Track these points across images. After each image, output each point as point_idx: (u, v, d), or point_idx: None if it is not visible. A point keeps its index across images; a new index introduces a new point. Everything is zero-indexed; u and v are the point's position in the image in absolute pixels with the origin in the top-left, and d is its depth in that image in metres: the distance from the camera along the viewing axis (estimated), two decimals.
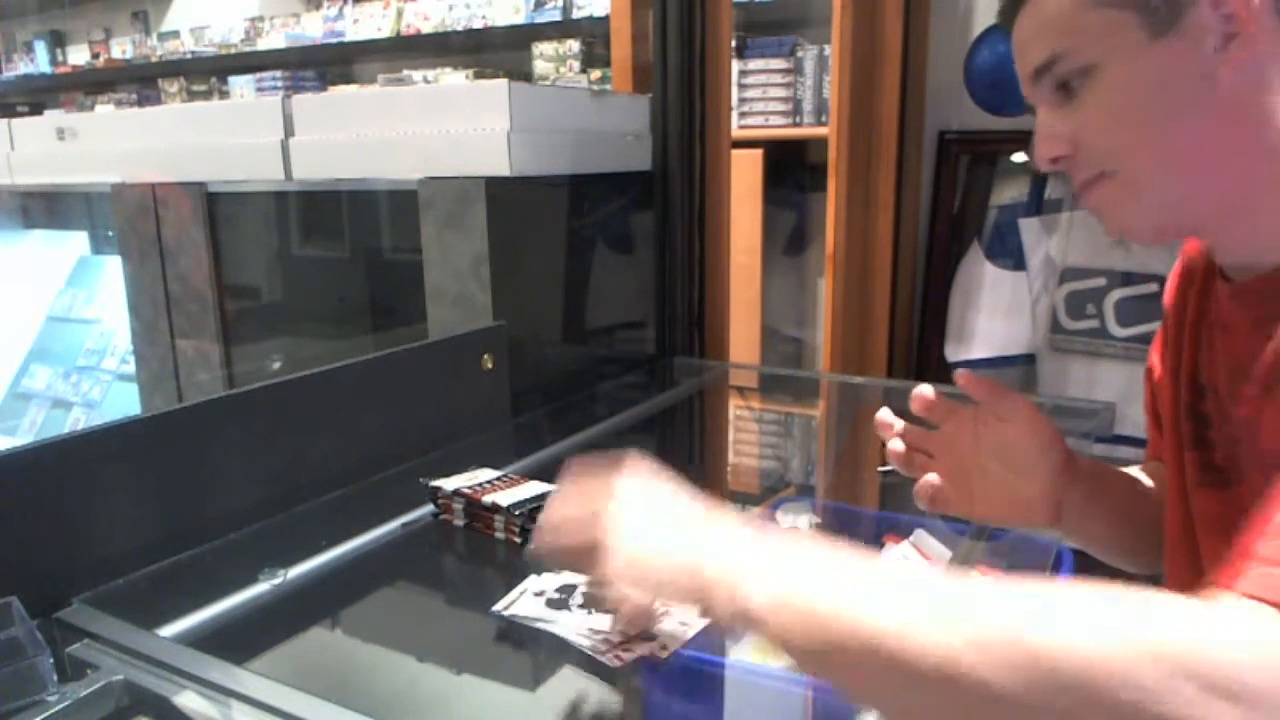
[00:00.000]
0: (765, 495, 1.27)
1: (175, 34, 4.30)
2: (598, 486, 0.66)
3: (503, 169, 1.26)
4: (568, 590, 0.81)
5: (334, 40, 3.65)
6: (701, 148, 1.64)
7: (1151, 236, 0.72)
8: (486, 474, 1.02)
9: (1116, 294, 2.32)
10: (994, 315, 2.47)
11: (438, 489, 0.98)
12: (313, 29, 3.74)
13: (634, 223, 1.61)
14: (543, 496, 0.95)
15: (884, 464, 1.19)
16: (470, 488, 0.97)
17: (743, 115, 2.63)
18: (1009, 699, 0.46)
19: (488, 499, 0.94)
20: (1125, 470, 0.93)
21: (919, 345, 2.60)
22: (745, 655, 0.79)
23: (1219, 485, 0.73)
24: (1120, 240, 2.32)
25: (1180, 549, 0.79)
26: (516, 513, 0.92)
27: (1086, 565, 1.10)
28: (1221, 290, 0.73)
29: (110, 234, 1.90)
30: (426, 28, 3.44)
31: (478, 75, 3.41)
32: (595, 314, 1.53)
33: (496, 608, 0.79)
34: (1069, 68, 0.67)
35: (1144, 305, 2.28)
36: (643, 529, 0.62)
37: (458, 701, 0.75)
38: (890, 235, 2.30)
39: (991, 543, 0.91)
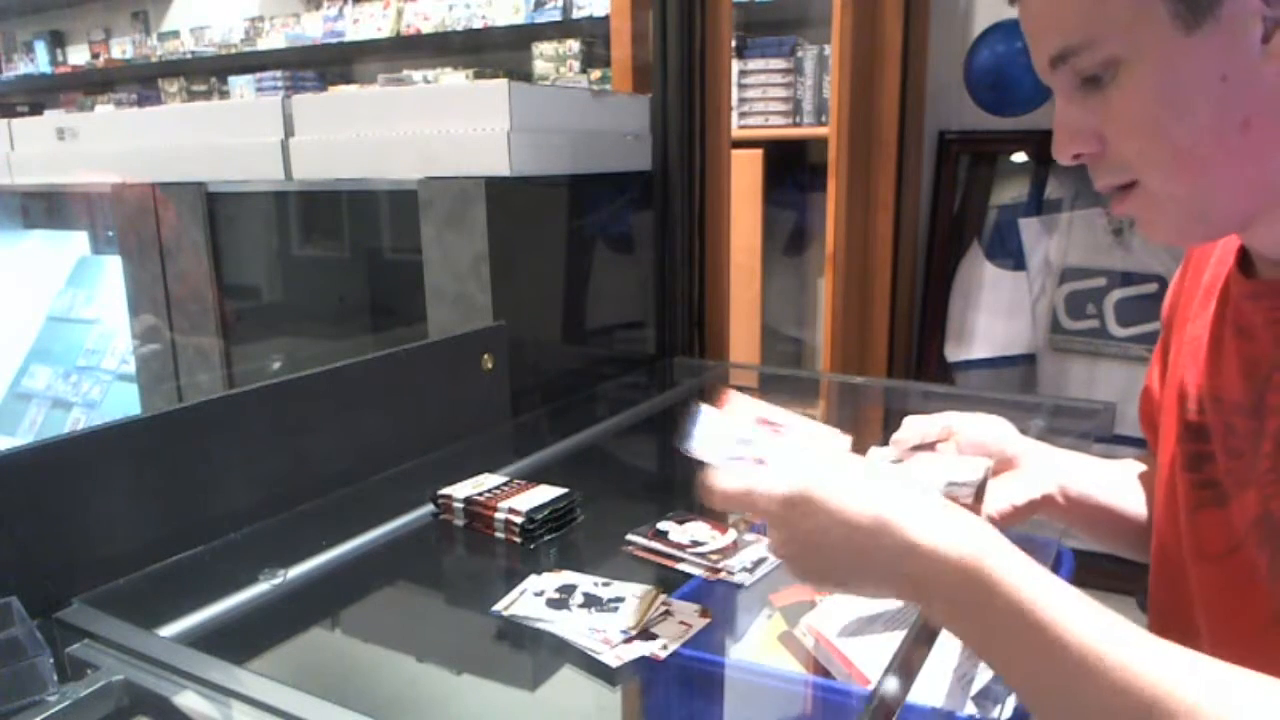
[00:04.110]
0: None
1: (175, 34, 4.30)
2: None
3: (503, 169, 1.26)
4: (568, 590, 0.81)
5: (334, 40, 3.66)
6: (701, 148, 1.64)
7: (1195, 242, 0.67)
8: (491, 480, 1.02)
9: (1116, 294, 2.32)
10: (994, 315, 2.47)
11: (448, 496, 0.98)
12: (313, 29, 3.74)
13: (634, 223, 1.61)
14: (554, 501, 0.95)
15: None
16: (481, 494, 0.97)
17: (743, 115, 2.63)
18: None
19: (503, 504, 0.94)
20: (1111, 465, 0.92)
21: (919, 345, 2.60)
22: (745, 655, 0.79)
23: (1216, 504, 0.70)
24: (1120, 240, 2.32)
25: (1168, 572, 0.76)
26: (534, 520, 0.92)
27: (1087, 566, 1.10)
28: (1240, 290, 0.68)
29: (110, 234, 1.90)
30: (426, 28, 3.44)
31: (478, 75, 3.41)
32: (595, 314, 1.53)
33: (496, 608, 0.79)
34: (1090, 61, 0.59)
35: (1144, 305, 2.28)
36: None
37: (458, 701, 0.75)
38: (890, 235, 2.31)
39: None
